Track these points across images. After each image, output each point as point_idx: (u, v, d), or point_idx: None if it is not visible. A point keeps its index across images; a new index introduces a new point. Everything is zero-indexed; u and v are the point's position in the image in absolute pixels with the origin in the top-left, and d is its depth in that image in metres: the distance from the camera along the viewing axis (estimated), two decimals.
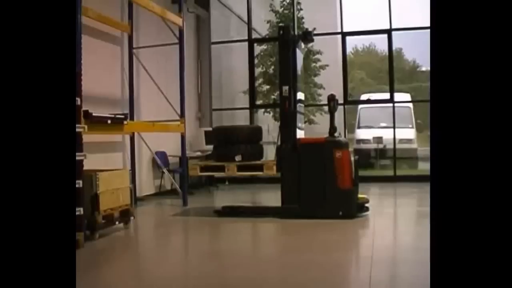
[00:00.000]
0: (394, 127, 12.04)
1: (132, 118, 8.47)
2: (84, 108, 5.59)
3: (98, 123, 6.14)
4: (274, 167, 6.95)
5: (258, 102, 14.11)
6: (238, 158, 7.12)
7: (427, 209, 7.77)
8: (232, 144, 7.29)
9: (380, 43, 25.28)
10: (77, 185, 5.01)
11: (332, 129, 7.13)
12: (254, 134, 7.61)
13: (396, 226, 7.12)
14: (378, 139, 15.08)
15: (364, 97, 17.20)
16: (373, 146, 15.47)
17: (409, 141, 15.01)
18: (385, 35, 11.40)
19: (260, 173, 7.09)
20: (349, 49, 20.83)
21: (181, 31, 8.72)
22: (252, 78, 11.96)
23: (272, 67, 15.37)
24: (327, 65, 16.36)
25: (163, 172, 9.58)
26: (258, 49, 14.67)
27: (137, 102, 9.03)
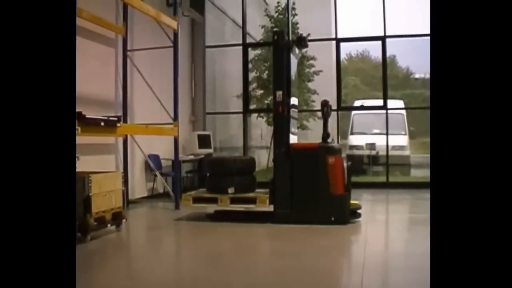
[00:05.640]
0: (387, 134, 12.07)
1: (125, 121, 8.45)
2: (77, 110, 5.58)
3: (91, 125, 6.13)
4: (267, 201, 6.96)
5: (252, 106, 14.10)
6: (231, 190, 7.13)
7: (419, 215, 7.81)
8: (225, 176, 7.30)
9: (374, 49, 25.35)
10: None
11: (325, 134, 7.15)
12: (247, 165, 7.60)
13: (388, 232, 7.13)
14: (371, 146, 15.10)
15: (357, 103, 17.23)
16: (366, 152, 15.48)
17: (401, 147, 15.04)
18: (379, 42, 11.45)
19: (253, 206, 7.08)
20: (343, 55, 20.89)
21: (175, 34, 8.73)
22: (246, 82, 11.96)
23: (266, 72, 15.37)
24: (321, 71, 16.36)
25: (155, 175, 9.56)
26: (252, 53, 14.68)
27: (130, 104, 9.01)
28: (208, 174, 7.72)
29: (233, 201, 7.11)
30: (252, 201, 7.08)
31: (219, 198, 7.14)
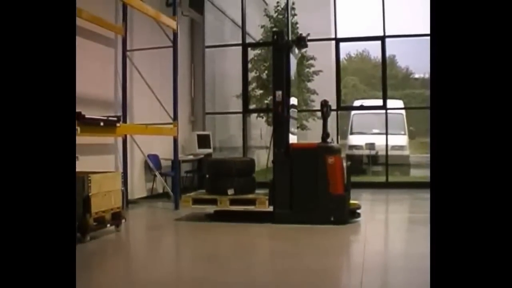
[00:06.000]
0: (386, 134, 12.06)
1: (125, 121, 8.45)
2: (77, 110, 5.57)
3: (90, 125, 6.13)
4: (267, 202, 6.97)
5: (251, 106, 14.11)
6: (230, 191, 7.14)
7: (418, 215, 7.80)
8: (224, 177, 7.31)
9: (373, 49, 25.41)
10: None
11: (325, 134, 7.15)
12: (246, 167, 7.61)
13: (387, 232, 7.13)
14: (371, 146, 15.10)
15: (357, 103, 17.24)
16: (365, 152, 15.49)
17: (401, 147, 15.05)
18: (379, 42, 11.45)
19: (252, 207, 7.09)
20: (342, 55, 20.89)
21: (175, 34, 8.73)
22: (245, 82, 11.97)
23: (266, 71, 15.37)
24: (320, 71, 16.38)
25: (155, 175, 9.56)
26: (252, 53, 14.68)
27: (130, 104, 9.01)
28: (207, 176, 7.73)
29: (233, 202, 7.11)
30: (252, 202, 7.09)
31: (218, 200, 7.14)
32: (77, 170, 5.39)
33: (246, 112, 12.15)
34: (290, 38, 11.50)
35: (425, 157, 14.16)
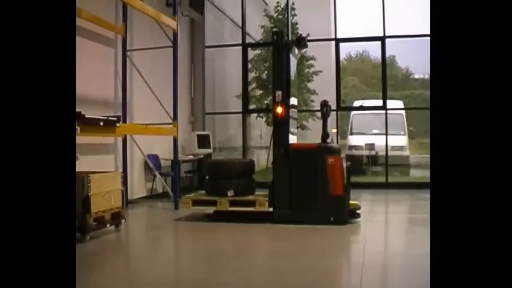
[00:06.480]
0: (386, 134, 12.06)
1: (124, 121, 8.44)
2: (76, 110, 5.57)
3: (90, 124, 6.13)
4: (266, 203, 6.98)
5: (251, 106, 14.11)
6: (230, 193, 7.15)
7: (418, 216, 7.80)
8: (224, 179, 7.32)
9: (373, 50, 25.39)
10: None
11: (325, 135, 7.14)
12: (246, 168, 7.62)
13: (387, 232, 7.13)
14: (370, 146, 15.09)
15: (357, 103, 17.23)
16: (365, 152, 15.47)
17: (401, 148, 15.05)
18: (379, 42, 11.45)
19: (252, 208, 7.09)
20: (342, 56, 20.85)
21: (175, 34, 8.73)
22: (245, 82, 11.96)
23: (266, 72, 15.37)
24: (320, 71, 16.37)
25: (155, 175, 9.55)
26: (252, 53, 14.68)
27: (130, 104, 9.01)
28: (207, 177, 7.73)
29: (232, 203, 7.12)
30: (252, 203, 7.09)
31: (218, 201, 7.15)
32: (77, 170, 5.41)
33: (246, 112, 12.16)
34: (290, 38, 11.49)
35: (425, 157, 14.17)
